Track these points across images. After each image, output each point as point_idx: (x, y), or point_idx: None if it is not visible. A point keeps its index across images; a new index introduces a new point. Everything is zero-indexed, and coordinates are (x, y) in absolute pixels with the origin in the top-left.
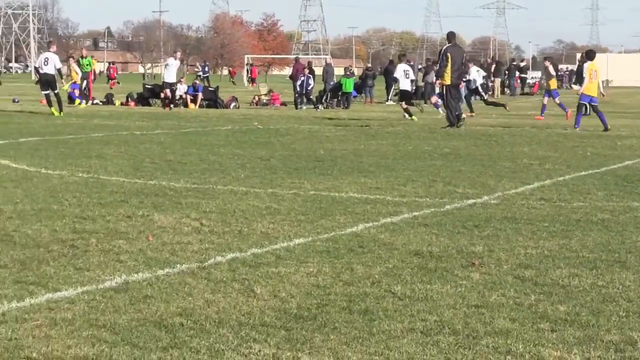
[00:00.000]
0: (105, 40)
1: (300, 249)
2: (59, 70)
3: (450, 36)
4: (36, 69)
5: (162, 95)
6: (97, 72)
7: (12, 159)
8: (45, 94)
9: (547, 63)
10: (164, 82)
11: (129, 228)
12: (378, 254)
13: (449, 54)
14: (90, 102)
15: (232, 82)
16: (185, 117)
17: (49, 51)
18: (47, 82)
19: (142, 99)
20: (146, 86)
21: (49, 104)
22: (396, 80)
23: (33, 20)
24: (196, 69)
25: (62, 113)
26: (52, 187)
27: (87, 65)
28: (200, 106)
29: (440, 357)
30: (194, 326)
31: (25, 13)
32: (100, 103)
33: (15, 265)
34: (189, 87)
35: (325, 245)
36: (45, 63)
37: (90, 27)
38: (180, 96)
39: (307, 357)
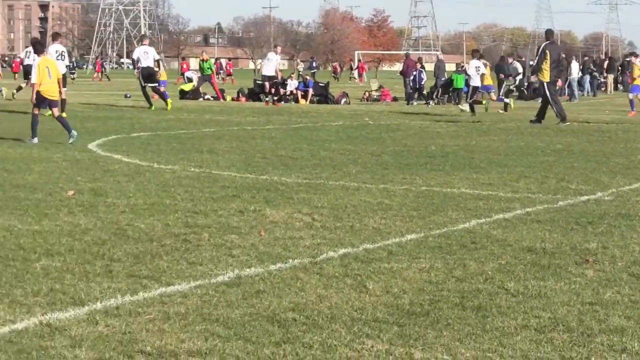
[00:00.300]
0: (216, 37)
1: (412, 244)
2: (157, 62)
3: (548, 34)
4: (133, 61)
5: (267, 90)
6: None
7: (125, 154)
8: (143, 89)
9: (634, 59)
10: (263, 75)
11: (241, 223)
12: (491, 250)
13: (547, 51)
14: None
15: (335, 78)
16: (296, 112)
17: (144, 44)
18: (148, 75)
19: (253, 95)
20: (257, 82)
21: (146, 97)
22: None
23: (144, 17)
24: (298, 66)
25: (152, 107)
26: (165, 182)
27: (208, 68)
28: (311, 102)
29: (554, 354)
30: (307, 321)
31: (137, 9)
32: (211, 99)
33: (129, 259)
34: (299, 82)
35: (437, 241)
36: (145, 56)
37: (200, 23)
38: (291, 92)
39: (420, 353)
